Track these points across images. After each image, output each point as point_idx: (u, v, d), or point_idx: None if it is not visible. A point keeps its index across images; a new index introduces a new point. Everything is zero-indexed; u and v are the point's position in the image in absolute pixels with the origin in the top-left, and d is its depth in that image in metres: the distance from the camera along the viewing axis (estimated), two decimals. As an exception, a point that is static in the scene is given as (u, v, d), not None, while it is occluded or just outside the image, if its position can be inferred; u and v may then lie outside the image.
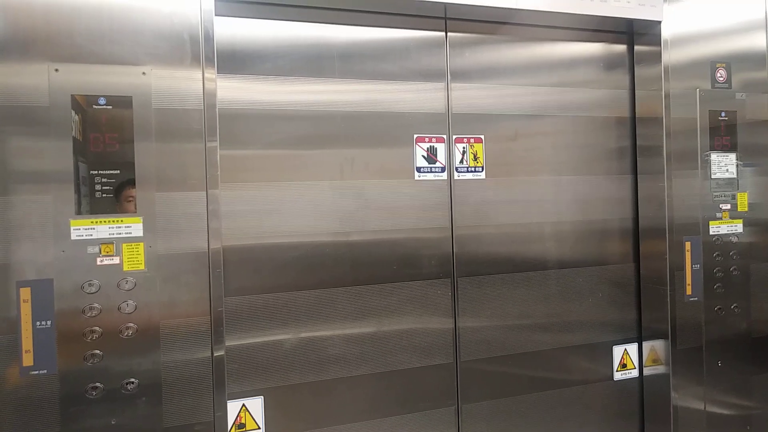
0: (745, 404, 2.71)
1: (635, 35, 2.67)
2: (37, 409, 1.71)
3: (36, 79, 1.71)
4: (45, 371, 1.71)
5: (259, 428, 2.12)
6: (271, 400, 2.14)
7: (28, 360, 1.69)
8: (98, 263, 1.76)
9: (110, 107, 1.78)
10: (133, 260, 1.79)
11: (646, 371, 2.71)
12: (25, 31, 1.71)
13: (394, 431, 2.32)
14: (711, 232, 2.63)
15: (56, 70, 1.73)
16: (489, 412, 2.47)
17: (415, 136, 2.35)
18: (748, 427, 2.71)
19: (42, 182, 1.71)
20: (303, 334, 2.19)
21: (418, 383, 2.36)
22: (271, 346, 2.15)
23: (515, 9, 2.30)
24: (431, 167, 2.37)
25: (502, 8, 2.29)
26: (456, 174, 2.41)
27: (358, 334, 2.27)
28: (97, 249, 1.76)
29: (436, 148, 2.38)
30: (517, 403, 2.51)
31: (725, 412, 2.67)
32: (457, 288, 2.41)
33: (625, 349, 2.71)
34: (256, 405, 2.12)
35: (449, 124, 2.40)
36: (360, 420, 2.27)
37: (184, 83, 1.86)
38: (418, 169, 2.36)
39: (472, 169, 2.43)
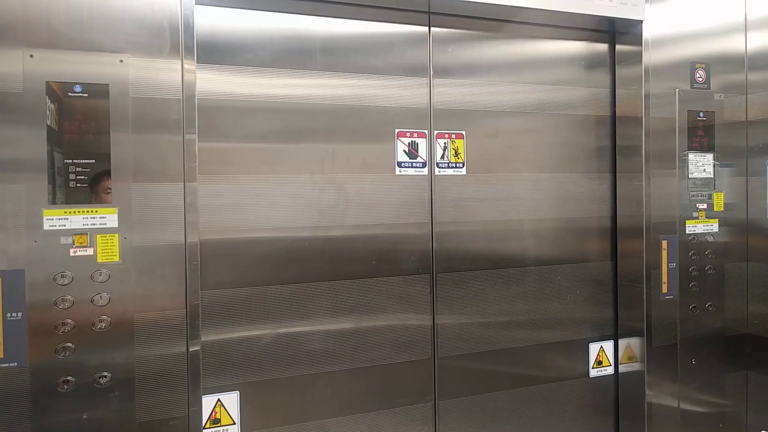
0: (718, 402, 2.74)
1: (617, 34, 2.69)
2: (7, 402, 1.67)
3: (9, 65, 1.67)
4: (15, 364, 1.68)
5: (234, 423, 2.10)
6: (247, 395, 2.13)
7: (-3, 352, 1.66)
8: (71, 254, 1.73)
9: (86, 95, 1.74)
10: (108, 252, 1.76)
11: (622, 368, 2.74)
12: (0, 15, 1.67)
13: (371, 427, 2.31)
14: (687, 231, 2.66)
15: (31, 56, 1.69)
16: (466, 408, 2.47)
17: (397, 130, 2.34)
18: (721, 425, 2.75)
19: (14, 171, 1.67)
20: (280, 329, 2.18)
21: (395, 379, 2.35)
22: (248, 341, 2.13)
23: (499, 5, 2.30)
24: (412, 162, 2.37)
25: (486, 3, 2.29)
26: (437, 169, 2.41)
27: (336, 329, 2.26)
28: (70, 240, 1.73)
29: (417, 143, 2.37)
30: (494, 400, 2.52)
31: (698, 409, 2.70)
32: (435, 284, 2.41)
33: (601, 347, 2.74)
34: (231, 400, 2.10)
35: (431, 119, 2.40)
36: (337, 416, 2.26)
37: (163, 73, 1.83)
38: (399, 164, 2.35)
39: (453, 164, 2.43)
